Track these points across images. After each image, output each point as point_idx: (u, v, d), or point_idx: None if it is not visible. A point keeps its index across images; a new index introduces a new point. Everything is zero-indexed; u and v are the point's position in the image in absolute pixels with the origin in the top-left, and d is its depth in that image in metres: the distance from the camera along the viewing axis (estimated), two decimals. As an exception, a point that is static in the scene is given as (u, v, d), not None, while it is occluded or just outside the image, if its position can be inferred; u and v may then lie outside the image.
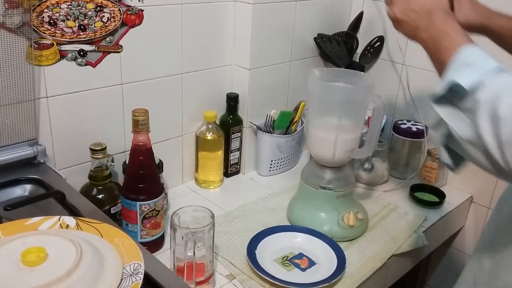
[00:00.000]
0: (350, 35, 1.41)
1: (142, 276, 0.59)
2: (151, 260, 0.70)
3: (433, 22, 0.67)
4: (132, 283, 0.58)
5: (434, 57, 0.66)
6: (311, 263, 0.96)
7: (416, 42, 0.71)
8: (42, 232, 0.66)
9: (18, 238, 0.60)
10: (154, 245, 0.95)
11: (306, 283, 0.89)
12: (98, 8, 0.95)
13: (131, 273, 0.60)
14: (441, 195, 1.25)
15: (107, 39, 0.98)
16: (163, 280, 0.65)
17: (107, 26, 0.98)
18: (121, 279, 0.58)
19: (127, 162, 1.00)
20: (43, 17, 0.88)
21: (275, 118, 1.29)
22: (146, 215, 0.90)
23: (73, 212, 0.78)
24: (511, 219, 0.72)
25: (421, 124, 1.31)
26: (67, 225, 0.69)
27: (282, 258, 0.97)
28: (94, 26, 0.96)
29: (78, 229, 0.68)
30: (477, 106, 0.56)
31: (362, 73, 1.07)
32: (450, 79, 0.58)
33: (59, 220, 0.69)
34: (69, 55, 0.94)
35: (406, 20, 0.71)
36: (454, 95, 0.59)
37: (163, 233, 0.97)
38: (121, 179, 1.05)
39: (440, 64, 0.64)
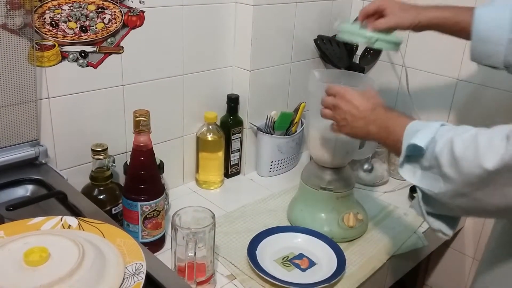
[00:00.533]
0: (350, 37, 1.41)
1: (144, 276, 0.59)
2: (153, 260, 0.70)
3: (378, 117, 0.78)
4: (134, 283, 0.58)
5: (387, 141, 0.75)
6: (311, 263, 0.96)
7: (368, 137, 0.82)
8: (44, 232, 0.66)
9: (21, 238, 0.61)
10: (155, 246, 0.95)
11: (306, 283, 0.89)
12: (100, 9, 0.96)
13: (133, 273, 0.60)
14: (441, 196, 1.25)
15: (109, 40, 0.99)
16: (165, 280, 0.65)
17: (108, 27, 0.98)
18: (123, 279, 0.59)
19: (128, 162, 1.00)
20: (44, 18, 0.89)
21: (275, 119, 1.30)
22: (147, 216, 0.91)
23: (75, 212, 0.78)
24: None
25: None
26: (69, 225, 0.69)
27: (283, 259, 0.97)
28: (96, 28, 0.96)
29: (80, 229, 0.68)
30: (437, 159, 0.63)
31: (362, 74, 1.08)
32: (407, 143, 0.67)
33: (61, 220, 0.70)
34: (71, 56, 0.95)
35: (354, 126, 0.82)
36: (414, 160, 0.67)
37: (164, 233, 0.98)
38: (122, 180, 1.06)
39: (393, 143, 0.72)
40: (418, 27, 0.91)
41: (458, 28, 0.88)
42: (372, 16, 0.95)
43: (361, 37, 0.93)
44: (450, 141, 0.62)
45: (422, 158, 0.66)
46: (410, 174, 0.68)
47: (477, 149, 0.59)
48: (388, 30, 0.93)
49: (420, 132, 0.67)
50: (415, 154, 0.67)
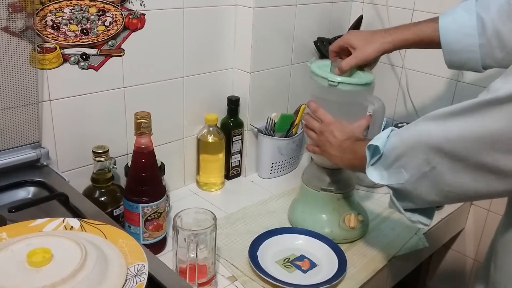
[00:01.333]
0: (350, 39, 1.42)
1: (146, 277, 0.60)
2: (154, 261, 0.70)
3: (349, 145, 0.87)
4: (136, 283, 0.58)
5: (356, 162, 0.83)
6: (312, 264, 0.97)
7: (342, 163, 0.90)
8: (47, 233, 0.66)
9: (24, 239, 0.61)
10: (156, 247, 0.95)
11: (307, 284, 0.89)
12: (101, 12, 0.96)
13: (135, 273, 0.60)
14: (441, 197, 1.25)
15: (109, 42, 0.99)
16: (167, 281, 0.65)
17: (109, 30, 0.98)
18: (125, 280, 0.59)
19: (129, 164, 1.01)
20: (46, 21, 0.89)
21: (275, 121, 1.30)
22: (149, 217, 0.91)
23: (77, 214, 0.79)
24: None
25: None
26: (72, 227, 0.69)
27: (284, 260, 0.97)
28: (97, 30, 0.97)
29: (82, 231, 0.69)
30: (395, 150, 0.71)
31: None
32: (368, 147, 0.75)
33: (64, 221, 0.70)
34: (72, 58, 0.95)
35: (331, 153, 0.92)
36: (378, 164, 0.74)
37: (165, 235, 0.98)
38: (123, 182, 1.06)
39: (360, 161, 0.79)
40: (386, 53, 0.95)
41: (426, 43, 0.92)
42: (343, 52, 0.98)
43: (325, 80, 0.96)
44: (398, 132, 0.72)
45: (382, 159, 0.73)
46: (378, 178, 0.75)
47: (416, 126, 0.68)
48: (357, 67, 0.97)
49: (376, 140, 0.74)
50: (377, 160, 0.74)
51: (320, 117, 0.96)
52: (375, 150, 0.74)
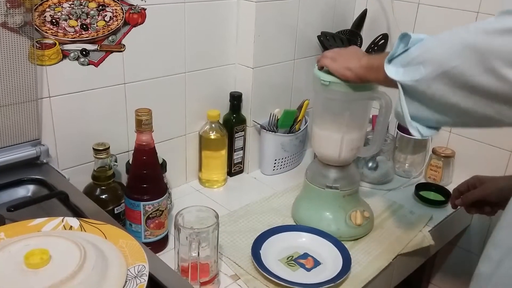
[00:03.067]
0: (354, 33, 1.40)
1: (146, 278, 0.59)
2: (155, 261, 0.69)
3: (366, 55, 0.90)
4: (137, 285, 0.57)
5: (374, 73, 0.83)
6: (316, 263, 0.95)
7: (360, 65, 0.88)
8: (45, 234, 0.65)
9: (22, 240, 0.60)
10: (158, 245, 0.94)
11: (311, 283, 0.88)
12: (100, 7, 0.95)
13: (135, 275, 0.59)
14: (447, 194, 1.24)
15: (110, 38, 0.98)
16: (168, 281, 0.64)
17: (109, 25, 0.97)
18: (125, 281, 0.58)
19: (130, 162, 1.00)
20: (45, 16, 0.88)
21: (278, 117, 1.29)
22: (150, 215, 0.90)
23: (77, 212, 0.78)
24: None
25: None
26: (71, 226, 0.68)
27: (287, 258, 0.96)
28: (97, 25, 0.95)
29: (81, 231, 0.67)
30: (423, 46, 0.70)
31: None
32: (399, 40, 0.74)
33: (63, 221, 0.69)
34: (72, 54, 0.94)
35: (347, 58, 0.92)
36: (397, 60, 0.74)
37: (167, 233, 0.97)
38: (124, 179, 1.05)
39: (379, 70, 0.78)
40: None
41: None
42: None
43: (318, 79, 0.97)
44: (436, 36, 0.69)
45: (405, 54, 0.72)
46: (393, 73, 0.74)
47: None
48: None
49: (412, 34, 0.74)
50: (399, 54, 0.74)
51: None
52: (404, 38, 0.73)
